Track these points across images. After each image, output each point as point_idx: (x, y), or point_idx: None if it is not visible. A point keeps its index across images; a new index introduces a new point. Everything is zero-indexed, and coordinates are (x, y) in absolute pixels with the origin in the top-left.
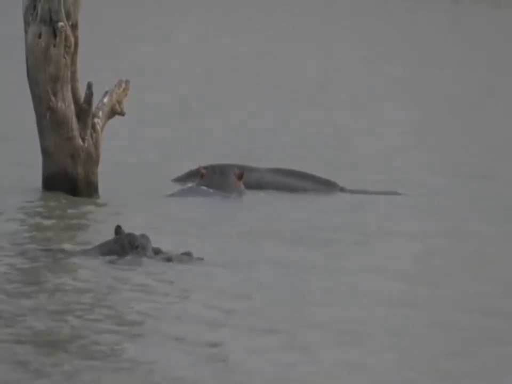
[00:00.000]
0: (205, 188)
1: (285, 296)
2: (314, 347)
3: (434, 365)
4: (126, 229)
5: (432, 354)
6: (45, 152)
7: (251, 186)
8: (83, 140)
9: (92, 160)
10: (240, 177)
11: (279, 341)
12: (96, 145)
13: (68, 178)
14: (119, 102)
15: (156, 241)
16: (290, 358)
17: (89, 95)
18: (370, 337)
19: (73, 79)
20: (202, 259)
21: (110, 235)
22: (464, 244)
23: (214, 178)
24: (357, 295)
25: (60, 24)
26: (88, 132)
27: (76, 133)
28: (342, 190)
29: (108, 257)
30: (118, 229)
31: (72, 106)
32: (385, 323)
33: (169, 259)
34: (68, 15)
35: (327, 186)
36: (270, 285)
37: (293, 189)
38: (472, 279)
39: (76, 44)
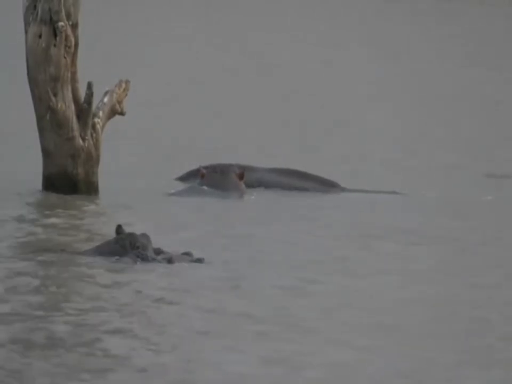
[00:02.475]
0: (206, 187)
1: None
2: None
3: None
4: (126, 229)
5: None
6: (45, 152)
7: (252, 185)
8: (83, 140)
9: (92, 160)
10: (241, 176)
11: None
12: (96, 145)
13: (68, 178)
14: (120, 102)
15: (156, 241)
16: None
17: (90, 95)
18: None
19: (74, 79)
20: (202, 259)
21: (110, 235)
22: (469, 242)
23: (215, 178)
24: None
25: (60, 24)
26: (89, 132)
27: (76, 133)
28: (343, 190)
29: (109, 257)
30: (119, 229)
31: (73, 107)
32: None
33: (170, 259)
34: (68, 15)
35: (328, 186)
36: (270, 285)
37: (293, 189)
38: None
39: (76, 44)
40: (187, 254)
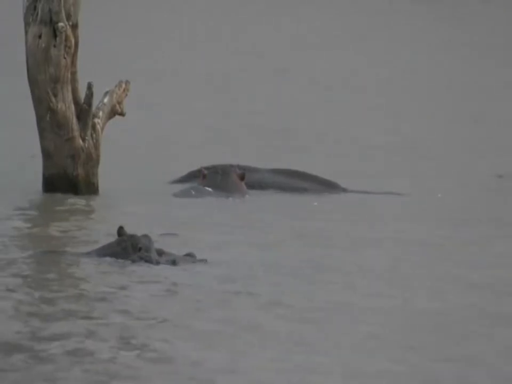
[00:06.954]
0: (207, 188)
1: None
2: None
3: None
4: (127, 230)
5: None
6: (45, 153)
7: (253, 186)
8: (83, 140)
9: (92, 160)
10: (242, 177)
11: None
12: (96, 145)
13: (68, 179)
14: (120, 103)
15: (158, 242)
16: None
17: (90, 95)
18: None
19: (74, 80)
20: (205, 260)
21: (111, 236)
22: (470, 242)
23: (216, 179)
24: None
25: (60, 24)
26: (89, 132)
27: (76, 133)
28: (344, 190)
29: (110, 259)
30: (120, 230)
31: (73, 107)
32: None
33: (173, 261)
34: (68, 16)
35: (329, 187)
36: (270, 286)
37: (294, 190)
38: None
39: (76, 44)
40: (190, 255)
